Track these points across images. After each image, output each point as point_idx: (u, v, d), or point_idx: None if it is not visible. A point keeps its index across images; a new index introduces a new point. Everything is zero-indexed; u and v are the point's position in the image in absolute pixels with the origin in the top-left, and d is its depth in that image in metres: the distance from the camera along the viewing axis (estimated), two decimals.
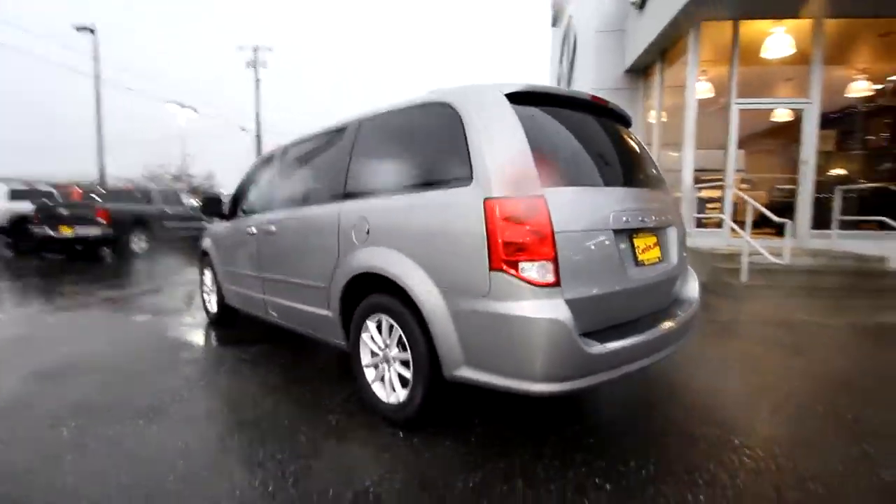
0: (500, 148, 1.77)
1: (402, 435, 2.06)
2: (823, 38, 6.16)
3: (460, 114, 1.92)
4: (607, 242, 1.85)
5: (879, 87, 7.13)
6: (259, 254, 3.16)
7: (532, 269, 1.64)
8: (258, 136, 28.63)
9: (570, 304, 1.67)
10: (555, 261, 1.65)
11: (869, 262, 5.34)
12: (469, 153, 1.83)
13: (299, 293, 2.76)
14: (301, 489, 1.65)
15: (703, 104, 6.77)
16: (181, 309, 4.83)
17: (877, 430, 2.08)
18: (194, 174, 26.48)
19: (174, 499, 1.61)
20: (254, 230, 3.23)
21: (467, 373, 1.82)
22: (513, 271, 1.65)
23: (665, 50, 7.45)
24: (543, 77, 20.09)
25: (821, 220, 6.34)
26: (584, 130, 2.15)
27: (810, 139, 6.34)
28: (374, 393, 2.26)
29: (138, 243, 10.07)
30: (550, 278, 1.65)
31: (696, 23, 6.28)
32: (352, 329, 2.37)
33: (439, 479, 1.72)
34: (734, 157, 6.55)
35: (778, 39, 6.38)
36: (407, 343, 2.03)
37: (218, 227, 4.06)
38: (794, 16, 6.11)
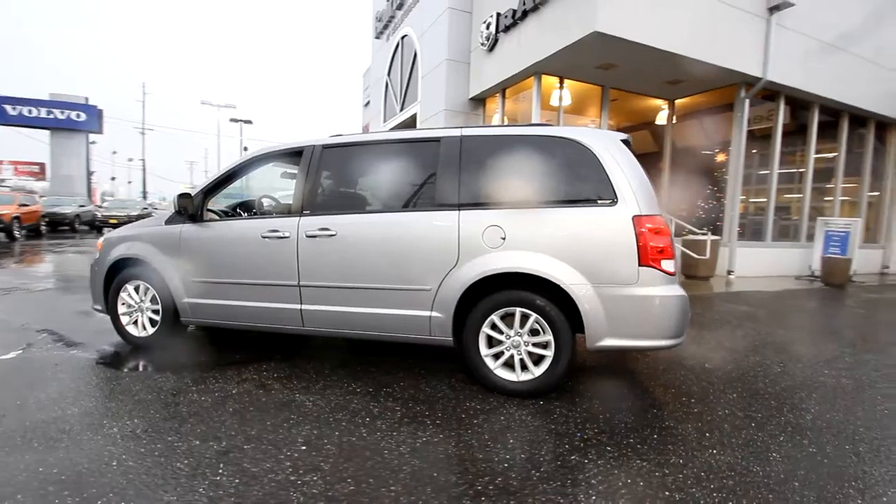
0: (635, 178, 2.52)
1: (542, 403, 2.55)
2: (608, 99, 8.88)
3: (592, 150, 2.57)
4: (675, 246, 2.81)
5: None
6: (300, 260, 2.91)
7: (667, 264, 2.45)
8: None
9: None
10: (674, 258, 2.51)
11: None
12: (610, 181, 2.50)
13: (383, 298, 2.78)
14: (550, 456, 2.04)
15: None
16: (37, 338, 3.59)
17: None
18: None
19: None
20: (285, 234, 2.95)
21: (610, 342, 2.49)
22: (657, 266, 2.43)
23: (506, 88, 9.17)
24: (358, 83, 20.48)
25: None
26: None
27: None
28: (498, 376, 2.64)
29: None
30: (674, 270, 2.49)
31: (539, 74, 8.11)
32: (468, 325, 2.67)
33: (611, 419, 2.35)
34: None
35: (569, 94, 8.81)
36: (548, 327, 2.53)
37: (168, 230, 3.31)
38: (591, 83, 8.64)
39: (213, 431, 2.14)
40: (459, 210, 2.67)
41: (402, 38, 12.58)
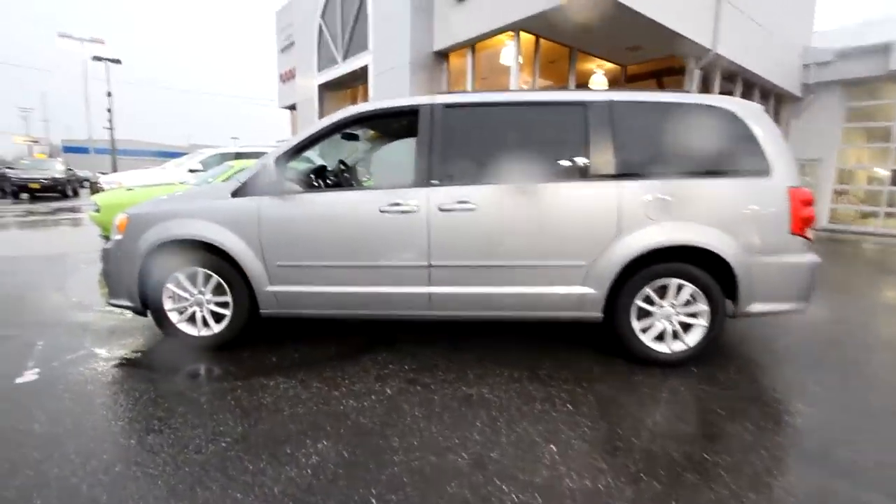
0: (785, 150, 2.62)
1: (695, 370, 2.65)
2: (576, 60, 9.02)
3: (744, 120, 2.60)
4: None
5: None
6: (431, 237, 2.58)
7: (810, 233, 2.63)
8: None
9: None
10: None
11: None
12: (763, 151, 2.57)
13: (530, 276, 2.61)
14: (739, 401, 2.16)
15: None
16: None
17: None
18: None
19: None
20: (411, 208, 2.57)
21: (757, 307, 2.64)
22: (804, 235, 2.59)
23: (475, 43, 8.80)
24: (270, 20, 17.87)
25: None
26: None
27: None
28: (651, 348, 2.68)
29: None
30: (813, 238, 2.69)
31: (518, 31, 7.90)
32: (622, 298, 2.63)
33: (764, 377, 2.55)
34: None
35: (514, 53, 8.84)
36: (703, 297, 2.60)
37: (240, 205, 2.69)
38: (561, 43, 8.68)
39: (441, 438, 1.90)
40: (619, 180, 2.56)
41: None
